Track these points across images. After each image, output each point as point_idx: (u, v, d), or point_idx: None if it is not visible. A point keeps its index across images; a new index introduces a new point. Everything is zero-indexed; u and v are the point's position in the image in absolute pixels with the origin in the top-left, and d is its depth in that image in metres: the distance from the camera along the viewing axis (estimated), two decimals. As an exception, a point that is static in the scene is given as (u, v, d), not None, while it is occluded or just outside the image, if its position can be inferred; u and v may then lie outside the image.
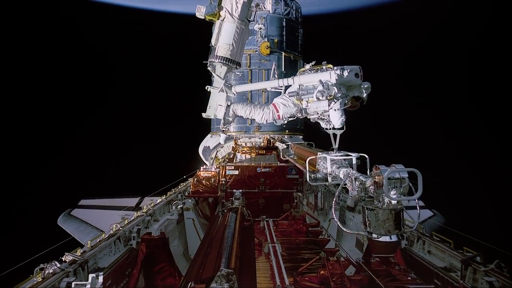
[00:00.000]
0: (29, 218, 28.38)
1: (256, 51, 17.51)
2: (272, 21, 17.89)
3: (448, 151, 39.86)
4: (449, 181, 33.54)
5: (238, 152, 16.29)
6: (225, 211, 8.50)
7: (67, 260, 5.62)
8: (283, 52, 17.81)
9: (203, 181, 11.84)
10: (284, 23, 18.15)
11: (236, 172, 12.97)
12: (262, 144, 16.54)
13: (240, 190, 10.42)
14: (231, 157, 15.75)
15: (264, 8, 18.36)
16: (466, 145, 39.86)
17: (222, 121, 6.74)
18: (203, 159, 19.83)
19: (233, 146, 16.69)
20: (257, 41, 17.50)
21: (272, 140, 16.17)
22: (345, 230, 4.45)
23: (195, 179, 11.93)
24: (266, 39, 17.41)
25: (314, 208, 12.66)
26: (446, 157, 38.78)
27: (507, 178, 32.22)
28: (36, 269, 5.19)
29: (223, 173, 12.86)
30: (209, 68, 6.72)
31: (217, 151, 17.81)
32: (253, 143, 17.10)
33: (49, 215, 19.84)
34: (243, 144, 17.09)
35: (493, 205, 30.13)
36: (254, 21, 7.29)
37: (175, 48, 47.85)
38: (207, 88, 6.81)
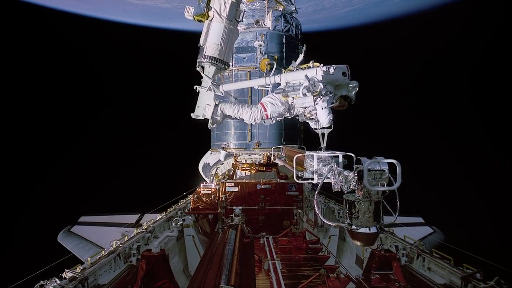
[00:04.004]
0: (29, 235, 28.26)
1: (256, 67, 17.57)
2: (272, 38, 17.94)
3: (448, 164, 39.86)
4: (449, 197, 33.45)
5: (238, 169, 16.28)
6: (225, 227, 8.52)
7: (67, 277, 5.63)
8: (283, 69, 17.77)
9: (203, 198, 11.84)
10: (284, 40, 18.23)
11: (236, 189, 12.93)
12: (262, 161, 16.55)
13: (240, 207, 10.47)
14: (231, 173, 15.74)
15: (264, 25, 18.48)
16: (467, 158, 39.91)
17: (210, 120, 6.77)
18: (203, 175, 19.79)
19: (233, 163, 16.70)
20: (257, 57, 17.55)
21: (272, 157, 16.20)
22: (325, 221, 4.44)
23: (195, 195, 11.92)
24: (266, 56, 17.47)
25: (314, 225, 12.64)
26: (445, 171, 38.78)
27: (507, 193, 32.10)
28: (36, 286, 5.21)
29: (223, 190, 12.83)
30: (198, 69, 6.77)
31: (217, 168, 17.81)
32: (253, 160, 17.11)
33: (49, 232, 19.75)
34: (243, 161, 17.08)
35: (493, 221, 29.94)
36: (242, 21, 7.35)
37: (169, 63, 48.44)
38: (196, 87, 6.88)
